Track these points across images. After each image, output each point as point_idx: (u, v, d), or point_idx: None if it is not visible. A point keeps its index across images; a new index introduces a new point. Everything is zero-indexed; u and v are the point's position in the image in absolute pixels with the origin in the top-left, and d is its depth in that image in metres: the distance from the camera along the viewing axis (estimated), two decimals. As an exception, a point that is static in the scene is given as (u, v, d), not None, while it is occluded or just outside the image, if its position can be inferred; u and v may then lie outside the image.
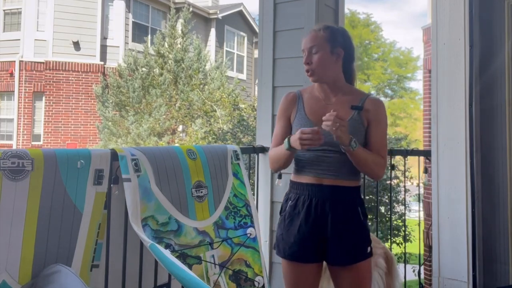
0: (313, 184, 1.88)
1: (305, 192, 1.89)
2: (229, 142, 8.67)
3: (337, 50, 1.91)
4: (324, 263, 1.95)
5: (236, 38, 17.35)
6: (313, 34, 1.93)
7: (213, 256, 2.18)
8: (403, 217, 6.78)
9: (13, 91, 12.57)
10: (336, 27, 2.02)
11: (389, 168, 3.29)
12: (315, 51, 1.90)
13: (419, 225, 4.14)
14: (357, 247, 1.88)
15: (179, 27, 12.46)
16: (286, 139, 1.87)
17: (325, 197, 1.86)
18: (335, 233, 1.85)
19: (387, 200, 7.13)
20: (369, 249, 1.90)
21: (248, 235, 2.35)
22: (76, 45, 12.77)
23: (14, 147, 12.07)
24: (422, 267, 3.79)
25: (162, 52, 12.02)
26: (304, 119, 1.93)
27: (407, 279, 3.11)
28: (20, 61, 12.57)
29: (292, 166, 2.01)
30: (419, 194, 4.79)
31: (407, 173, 6.72)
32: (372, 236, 2.05)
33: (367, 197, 6.46)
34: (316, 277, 1.95)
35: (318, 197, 1.86)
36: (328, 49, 1.90)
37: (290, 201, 1.93)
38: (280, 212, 2.00)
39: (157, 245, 1.84)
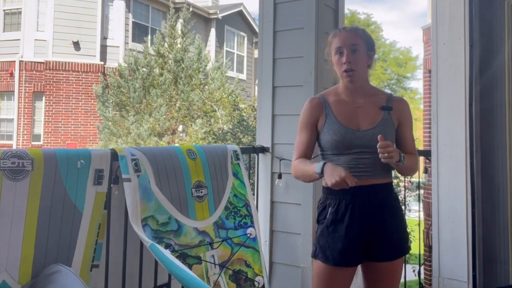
0: (353, 187, 1.85)
1: (347, 196, 1.87)
2: (229, 142, 8.67)
3: (370, 54, 1.95)
4: None
5: (236, 38, 17.35)
6: (353, 32, 1.94)
7: (213, 256, 2.18)
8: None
9: (13, 91, 12.58)
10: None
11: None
12: (356, 50, 1.90)
13: (419, 225, 4.14)
14: (403, 240, 1.93)
15: (178, 27, 12.46)
16: (321, 164, 1.83)
17: (367, 197, 1.87)
18: (383, 230, 1.87)
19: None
20: (409, 242, 1.96)
21: (248, 235, 2.35)
22: (76, 45, 12.78)
23: (14, 147, 12.07)
24: (422, 267, 3.80)
25: (162, 52, 12.02)
26: (335, 123, 1.90)
27: (407, 279, 3.11)
28: (20, 61, 12.58)
29: None
30: (419, 194, 4.79)
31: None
32: None
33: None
34: (352, 278, 1.96)
35: (360, 198, 1.87)
36: (365, 50, 1.93)
37: (331, 208, 1.90)
38: (318, 221, 1.96)
39: (157, 245, 1.84)
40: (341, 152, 1.88)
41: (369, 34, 1.99)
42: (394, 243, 1.90)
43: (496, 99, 2.64)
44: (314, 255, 1.95)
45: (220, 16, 16.10)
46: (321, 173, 1.82)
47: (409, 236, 2.00)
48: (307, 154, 1.97)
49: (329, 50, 1.99)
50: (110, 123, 11.62)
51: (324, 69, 2.54)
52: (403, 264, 2.06)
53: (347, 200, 1.87)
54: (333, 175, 1.74)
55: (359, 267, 2.00)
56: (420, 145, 10.68)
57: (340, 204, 1.88)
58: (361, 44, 1.91)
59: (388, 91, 21.96)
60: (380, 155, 1.75)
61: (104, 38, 13.18)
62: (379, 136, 1.75)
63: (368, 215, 1.86)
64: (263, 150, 2.75)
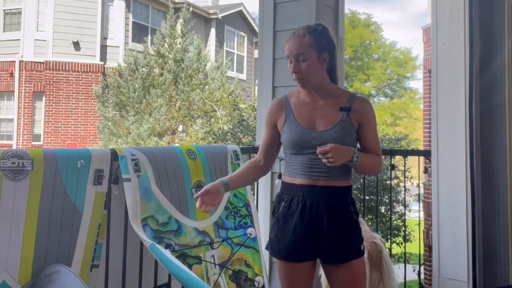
0: (307, 185, 1.88)
1: (299, 193, 1.89)
2: (229, 142, 8.67)
3: (323, 56, 1.89)
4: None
5: (236, 38, 17.35)
6: (298, 41, 1.88)
7: (213, 256, 2.18)
8: (403, 217, 6.78)
9: (13, 91, 12.57)
10: (318, 27, 1.94)
11: (389, 168, 3.29)
12: (302, 59, 1.86)
13: (419, 225, 4.14)
14: (351, 245, 1.90)
15: (178, 27, 12.46)
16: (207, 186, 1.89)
17: (319, 198, 1.87)
18: (330, 233, 1.87)
19: (387, 200, 7.13)
20: (362, 247, 1.93)
21: (248, 235, 2.35)
22: (76, 45, 12.77)
23: (14, 147, 12.07)
24: (422, 267, 3.80)
25: (162, 52, 12.02)
26: (294, 124, 1.92)
27: (407, 279, 3.10)
28: (20, 61, 12.57)
29: (284, 168, 2.01)
30: (419, 194, 4.79)
31: (407, 173, 6.72)
32: (367, 229, 2.06)
33: (367, 197, 6.47)
34: (311, 275, 1.97)
35: (312, 198, 1.87)
36: (315, 56, 1.87)
37: (284, 202, 1.93)
38: (273, 214, 1.99)
39: (157, 245, 1.84)
40: (297, 152, 1.89)
41: (322, 34, 1.91)
42: (344, 247, 1.88)
43: (496, 99, 2.64)
44: (266, 247, 2.00)
45: (220, 16, 16.10)
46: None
47: (362, 242, 1.94)
48: (266, 152, 2.03)
49: None
50: (110, 123, 11.61)
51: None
52: (365, 273, 2.03)
53: (299, 197, 1.89)
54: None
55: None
56: (420, 145, 10.69)
57: (292, 200, 1.91)
58: (308, 51, 1.86)
59: (388, 91, 22.02)
60: (323, 160, 1.76)
61: (104, 38, 13.18)
62: (318, 150, 1.76)
63: (318, 216, 1.86)
64: (263, 150, 2.75)
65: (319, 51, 1.88)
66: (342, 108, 1.90)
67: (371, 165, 1.91)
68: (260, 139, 2.79)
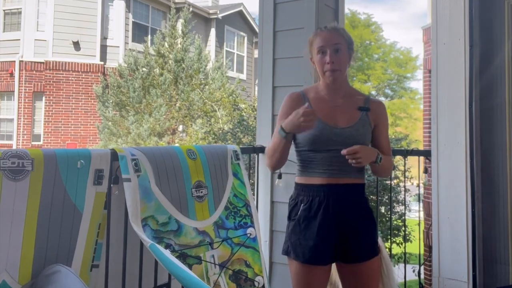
0: (328, 185, 1.87)
1: (320, 193, 1.88)
2: (229, 142, 8.67)
3: (351, 52, 1.96)
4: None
5: (236, 38, 17.35)
6: (335, 33, 1.94)
7: (213, 256, 2.18)
8: (403, 217, 6.78)
9: (13, 91, 12.58)
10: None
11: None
12: (339, 49, 1.90)
13: (419, 225, 4.14)
14: (372, 242, 1.93)
15: (179, 27, 12.47)
16: (280, 127, 1.86)
17: (341, 196, 1.87)
18: (355, 230, 1.87)
19: (387, 200, 7.13)
20: (378, 244, 1.95)
21: (248, 235, 2.35)
22: (76, 45, 12.78)
23: (14, 147, 12.07)
24: (422, 267, 3.80)
25: (162, 52, 12.02)
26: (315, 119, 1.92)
27: (407, 279, 3.11)
28: (20, 61, 12.58)
29: (296, 168, 1.99)
30: (419, 194, 4.79)
31: (407, 173, 6.72)
32: None
33: (367, 197, 6.45)
34: (327, 278, 1.96)
35: (335, 196, 1.87)
36: (347, 50, 1.93)
37: (303, 205, 1.90)
38: (290, 217, 1.96)
39: (157, 245, 1.84)
40: (319, 148, 1.87)
41: (349, 33, 2.00)
42: (366, 244, 1.89)
43: (496, 99, 2.64)
44: (286, 253, 1.95)
45: (220, 16, 16.10)
46: (286, 132, 1.84)
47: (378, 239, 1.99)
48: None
49: (310, 49, 1.99)
50: (110, 123, 11.62)
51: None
52: (380, 267, 2.04)
53: (320, 198, 1.87)
54: (297, 122, 1.76)
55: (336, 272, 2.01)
56: (420, 145, 10.69)
57: (313, 201, 1.88)
58: (343, 43, 1.92)
59: (388, 91, 22.02)
60: (349, 161, 1.77)
61: (104, 38, 13.18)
62: (342, 151, 1.77)
63: (341, 215, 1.86)
64: (263, 150, 2.74)
65: (349, 48, 1.95)
66: (361, 107, 1.93)
67: (387, 167, 1.95)
68: (261, 139, 2.79)
